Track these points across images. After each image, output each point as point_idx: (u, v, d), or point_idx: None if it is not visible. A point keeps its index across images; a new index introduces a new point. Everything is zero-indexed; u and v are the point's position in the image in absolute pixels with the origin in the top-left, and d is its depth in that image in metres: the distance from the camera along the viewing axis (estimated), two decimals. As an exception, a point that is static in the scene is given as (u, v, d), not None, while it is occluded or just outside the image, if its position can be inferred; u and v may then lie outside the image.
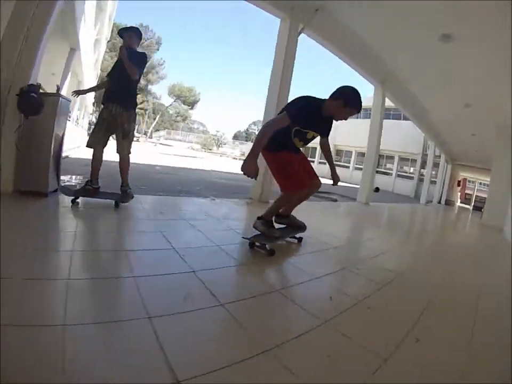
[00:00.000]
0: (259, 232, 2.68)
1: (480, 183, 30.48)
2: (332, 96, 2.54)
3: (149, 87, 35.17)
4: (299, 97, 2.65)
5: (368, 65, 7.42)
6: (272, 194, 5.04)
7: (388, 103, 13.30)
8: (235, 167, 16.36)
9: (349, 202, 8.31)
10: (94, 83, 20.59)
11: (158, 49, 34.13)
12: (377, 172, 24.65)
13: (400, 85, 8.53)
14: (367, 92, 11.34)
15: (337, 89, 2.56)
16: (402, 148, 23.54)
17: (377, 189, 19.78)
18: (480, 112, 9.04)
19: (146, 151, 23.08)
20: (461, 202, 27.86)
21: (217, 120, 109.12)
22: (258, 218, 2.76)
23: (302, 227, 3.06)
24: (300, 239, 3.05)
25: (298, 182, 2.68)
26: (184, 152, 26.90)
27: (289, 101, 2.90)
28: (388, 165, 25.52)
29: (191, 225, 2.90)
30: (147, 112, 37.01)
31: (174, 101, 39.57)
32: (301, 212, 3.14)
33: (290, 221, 3.04)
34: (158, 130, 43.22)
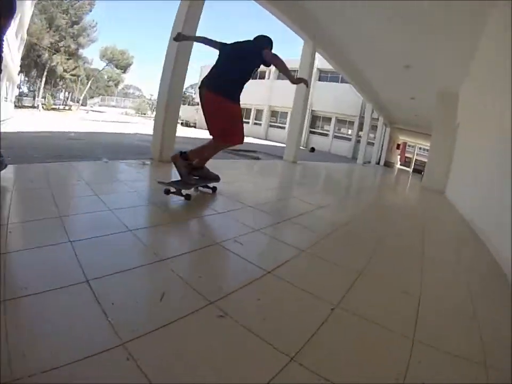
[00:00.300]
0: (177, 178, 2.85)
1: (420, 148, 32.21)
2: (265, 44, 2.92)
3: (80, 51, 32.32)
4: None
5: (298, 17, 6.79)
6: (174, 152, 4.62)
7: (326, 65, 13.14)
8: None
9: (274, 161, 8.00)
10: (17, 51, 18.51)
11: (90, 11, 30.99)
12: (314, 133, 25.63)
13: (334, 42, 8.09)
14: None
15: (267, 38, 2.99)
16: (340, 109, 23.85)
17: (312, 149, 20.17)
18: (420, 74, 8.91)
19: (77, 119, 21.42)
20: (401, 165, 29.33)
21: (154, 85, 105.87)
22: (182, 153, 2.85)
23: (216, 178, 3.13)
24: (214, 189, 3.13)
25: (241, 136, 2.90)
26: (117, 118, 25.23)
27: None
28: (325, 127, 25.79)
29: (50, 194, 2.29)
30: (80, 78, 34.10)
31: (107, 65, 36.60)
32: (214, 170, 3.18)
33: (204, 173, 3.07)
34: (93, 97, 40.32)
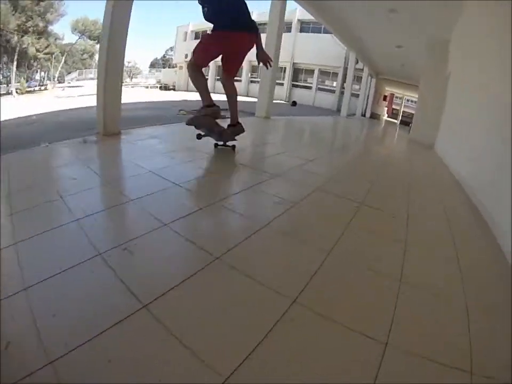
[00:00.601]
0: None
1: (408, 100, 31.20)
2: None
3: (49, 28, 30.46)
4: None
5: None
6: (119, 123, 3.90)
7: (308, 16, 12.14)
8: (136, 96, 14.56)
9: (244, 118, 7.08)
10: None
11: (57, -15, 29.05)
12: (296, 86, 24.51)
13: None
14: None
15: None
16: (323, 61, 22.49)
17: (294, 103, 19.25)
18: (407, 20, 7.90)
19: (52, 98, 20.36)
20: (388, 117, 28.58)
21: (132, 51, 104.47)
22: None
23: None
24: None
25: None
26: (94, 90, 24.07)
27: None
28: (309, 79, 24.47)
29: None
30: (54, 55, 32.35)
31: (79, 38, 34.56)
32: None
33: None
34: (70, 73, 38.37)
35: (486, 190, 2.91)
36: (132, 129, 4.17)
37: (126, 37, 3.92)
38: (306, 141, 5.76)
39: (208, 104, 2.99)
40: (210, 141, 3.55)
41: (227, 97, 3.24)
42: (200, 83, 2.98)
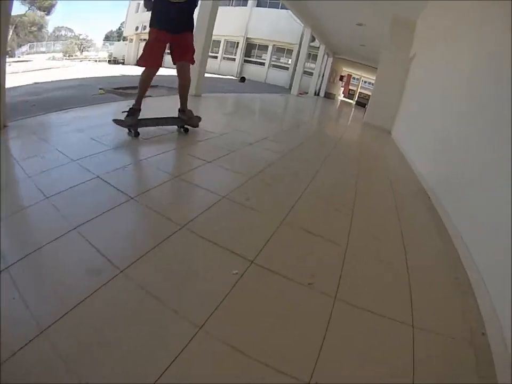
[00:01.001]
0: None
1: (365, 82, 31.22)
2: None
3: (-5, -1, 27.24)
4: None
5: None
6: (5, 114, 2.86)
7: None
8: (73, 72, 13.13)
9: (169, 97, 5.96)
10: None
11: None
12: (249, 62, 23.32)
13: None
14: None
15: None
16: (278, 37, 21.40)
17: (242, 79, 18.41)
18: None
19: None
20: (344, 97, 28.59)
21: (87, 24, 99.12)
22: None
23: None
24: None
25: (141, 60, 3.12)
26: (42, 64, 21.96)
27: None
28: (263, 56, 23.17)
29: None
30: (-1, 29, 29.22)
31: (29, 9, 31.47)
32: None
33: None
34: (21, 46, 35.03)
35: (454, 198, 2.60)
36: (28, 118, 3.33)
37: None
38: (234, 127, 4.56)
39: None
40: (89, 137, 2.89)
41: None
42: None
